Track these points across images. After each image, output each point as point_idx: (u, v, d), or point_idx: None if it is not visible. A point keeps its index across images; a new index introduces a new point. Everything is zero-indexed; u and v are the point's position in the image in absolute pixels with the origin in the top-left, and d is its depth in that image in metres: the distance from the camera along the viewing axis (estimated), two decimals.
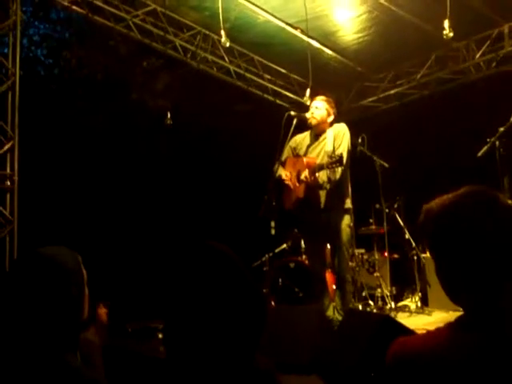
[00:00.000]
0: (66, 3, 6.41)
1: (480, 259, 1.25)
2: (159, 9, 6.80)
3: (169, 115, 6.42)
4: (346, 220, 4.80)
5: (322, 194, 4.75)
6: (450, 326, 1.30)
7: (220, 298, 1.27)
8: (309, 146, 4.97)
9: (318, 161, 4.73)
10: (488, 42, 6.88)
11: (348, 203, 4.87)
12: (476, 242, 1.25)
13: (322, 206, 4.75)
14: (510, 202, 1.36)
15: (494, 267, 1.25)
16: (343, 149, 4.70)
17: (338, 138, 4.78)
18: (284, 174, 4.91)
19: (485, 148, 4.80)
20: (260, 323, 1.32)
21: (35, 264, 1.59)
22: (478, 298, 1.26)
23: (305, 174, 4.61)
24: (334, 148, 4.71)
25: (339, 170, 4.61)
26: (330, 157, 4.49)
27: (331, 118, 4.94)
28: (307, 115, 4.92)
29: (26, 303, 1.54)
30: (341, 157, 4.41)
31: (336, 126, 4.92)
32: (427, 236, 1.36)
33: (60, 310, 1.56)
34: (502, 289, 1.24)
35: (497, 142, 4.83)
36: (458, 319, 1.30)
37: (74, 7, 6.52)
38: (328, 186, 4.72)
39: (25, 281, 1.56)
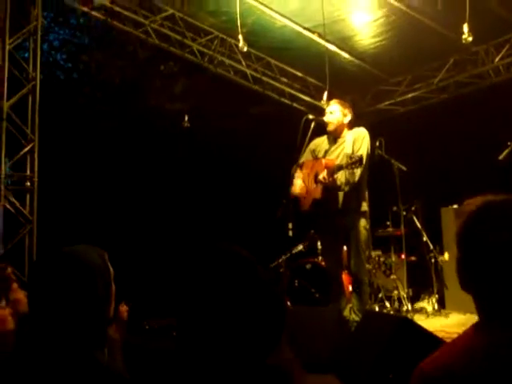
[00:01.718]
0: (85, 9, 6.51)
1: None
2: (177, 14, 6.88)
3: (186, 118, 6.47)
4: (363, 222, 4.81)
5: (340, 195, 4.75)
6: (469, 335, 1.27)
7: (232, 299, 1.26)
8: (327, 150, 4.97)
9: (337, 162, 4.74)
10: (507, 46, 6.82)
11: (364, 206, 4.87)
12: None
13: (340, 207, 4.75)
14: None
15: None
16: (363, 151, 4.68)
17: (358, 142, 4.77)
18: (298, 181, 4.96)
19: (506, 151, 4.78)
20: (275, 324, 1.31)
21: (62, 262, 1.60)
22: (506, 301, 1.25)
23: (323, 174, 4.60)
24: (353, 151, 4.70)
25: (358, 171, 4.60)
26: (350, 157, 4.49)
27: (348, 119, 4.93)
28: (325, 119, 4.94)
29: (54, 301, 1.54)
30: (361, 157, 4.39)
31: (356, 129, 4.92)
32: (466, 236, 1.33)
33: (88, 307, 1.57)
34: None
35: None
36: (479, 325, 1.28)
37: (94, 13, 6.62)
38: (346, 188, 4.70)
39: (53, 279, 1.57)
